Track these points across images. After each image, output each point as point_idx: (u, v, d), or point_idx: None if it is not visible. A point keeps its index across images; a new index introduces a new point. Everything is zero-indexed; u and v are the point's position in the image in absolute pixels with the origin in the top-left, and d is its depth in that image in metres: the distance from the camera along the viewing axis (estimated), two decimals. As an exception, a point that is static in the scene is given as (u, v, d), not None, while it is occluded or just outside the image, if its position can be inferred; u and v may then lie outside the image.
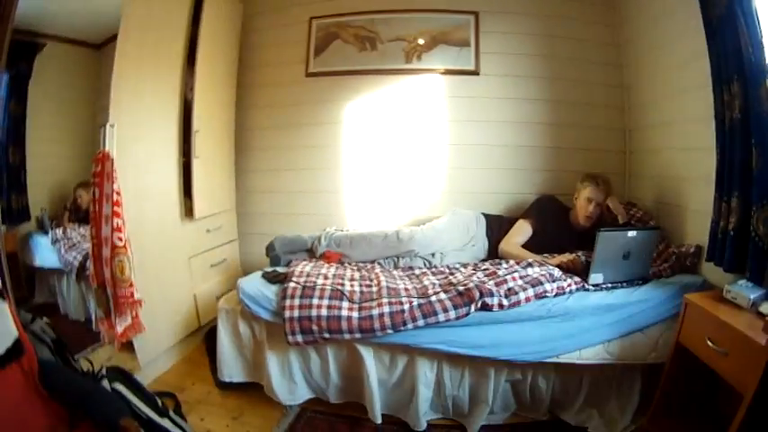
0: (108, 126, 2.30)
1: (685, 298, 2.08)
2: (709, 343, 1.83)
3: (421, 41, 3.59)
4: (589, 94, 3.68)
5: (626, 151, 3.69)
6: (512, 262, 2.67)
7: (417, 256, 2.92)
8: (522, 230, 3.02)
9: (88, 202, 2.35)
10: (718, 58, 2.42)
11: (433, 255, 2.96)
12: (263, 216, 3.75)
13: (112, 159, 2.27)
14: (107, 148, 2.28)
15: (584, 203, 2.97)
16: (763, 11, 2.22)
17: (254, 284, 2.37)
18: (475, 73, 3.57)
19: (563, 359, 2.22)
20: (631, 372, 2.32)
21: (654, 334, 2.29)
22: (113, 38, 2.42)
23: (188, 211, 3.00)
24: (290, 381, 2.30)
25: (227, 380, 2.42)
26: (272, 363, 2.28)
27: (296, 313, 2.13)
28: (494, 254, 3.05)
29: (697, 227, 2.69)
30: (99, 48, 2.64)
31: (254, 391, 2.40)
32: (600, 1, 3.76)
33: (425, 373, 2.21)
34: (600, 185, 2.96)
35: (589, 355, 2.23)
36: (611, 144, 3.70)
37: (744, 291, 2.01)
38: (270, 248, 2.87)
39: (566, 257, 2.64)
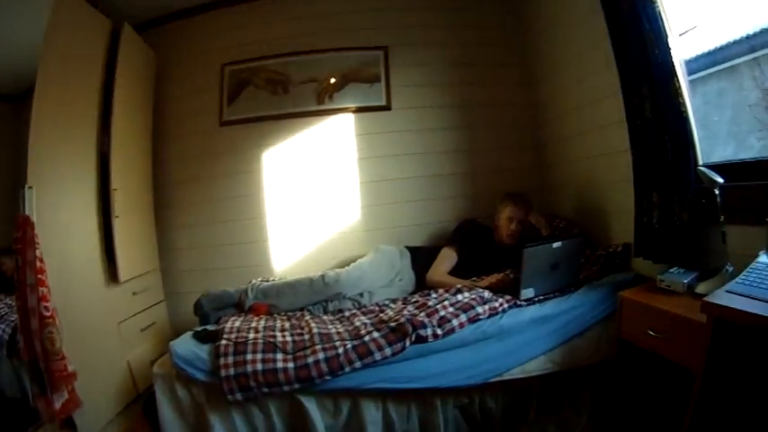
0: (26, 188, 2.28)
1: (619, 295, 2.23)
2: (651, 332, 1.98)
3: (332, 81, 3.71)
4: (501, 116, 3.91)
5: (542, 166, 3.92)
6: (441, 291, 2.75)
7: (346, 297, 2.96)
8: (447, 258, 3.13)
9: (12, 269, 2.32)
10: (624, 64, 2.63)
11: (361, 294, 3.00)
12: (188, 273, 3.73)
13: (33, 223, 2.25)
14: (27, 212, 2.26)
15: (505, 223, 3.11)
16: (668, 11, 2.46)
17: (186, 346, 2.35)
18: (387, 108, 3.73)
19: (507, 376, 2.31)
20: (578, 375, 2.45)
21: (594, 335, 2.44)
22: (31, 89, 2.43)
23: (112, 273, 2.96)
24: None
25: (173, 449, 2.40)
26: (216, 425, 2.24)
27: (231, 371, 2.12)
28: (422, 286, 3.13)
29: (621, 226, 2.89)
30: (17, 102, 2.68)
31: (205, 457, 2.39)
32: (507, 25, 4.01)
33: (371, 413, 2.24)
34: (519, 203, 3.11)
35: (533, 367, 2.34)
36: (527, 161, 3.93)
37: (677, 277, 2.19)
38: (197, 307, 2.86)
39: (494, 278, 2.76)
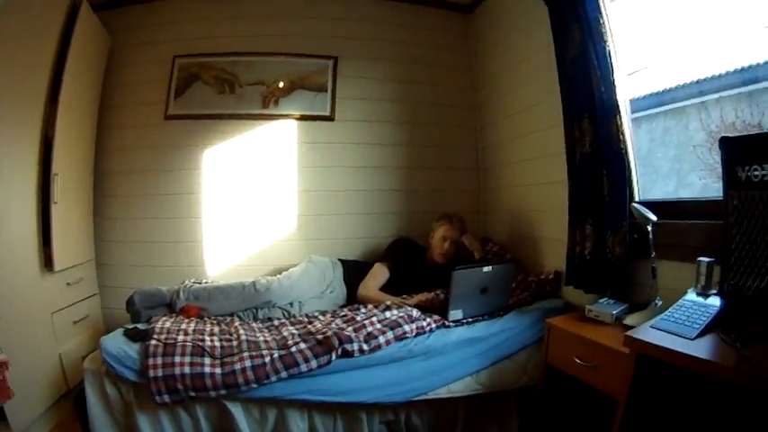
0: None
1: (547, 322, 2.53)
2: (578, 360, 2.26)
3: (280, 85, 3.97)
4: (444, 136, 4.28)
5: (480, 189, 4.30)
6: (370, 306, 3.03)
7: (275, 306, 3.22)
8: (379, 274, 3.43)
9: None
10: (569, 98, 2.91)
11: (291, 304, 3.26)
12: (122, 268, 3.86)
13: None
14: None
15: (439, 242, 3.43)
16: (621, 51, 2.74)
17: (117, 343, 2.47)
18: (330, 119, 4.02)
19: (432, 395, 2.59)
20: (506, 397, 2.74)
21: (522, 359, 2.74)
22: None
23: (47, 261, 3.07)
24: None
25: (102, 446, 2.43)
26: (144, 425, 2.37)
27: (160, 372, 2.27)
28: (353, 298, 3.41)
29: (554, 254, 3.19)
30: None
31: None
32: (458, 47, 4.41)
33: (297, 423, 2.46)
34: (454, 224, 3.43)
35: (459, 388, 2.63)
36: (466, 183, 4.32)
37: (605, 308, 2.46)
38: (129, 303, 3.03)
39: (423, 296, 3.05)
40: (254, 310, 3.16)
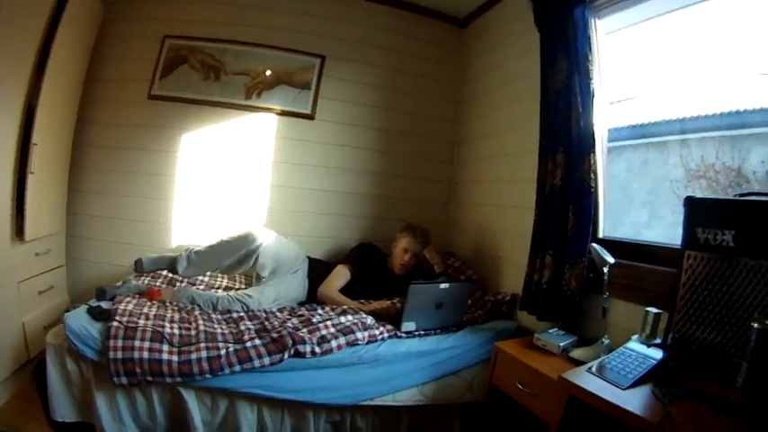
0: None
1: (495, 346, 2.73)
2: (520, 385, 2.46)
3: (267, 74, 4.15)
4: (421, 147, 4.52)
5: (450, 203, 4.55)
6: (327, 309, 3.24)
7: (255, 262, 3.44)
8: (341, 275, 3.63)
9: None
10: (547, 129, 3.11)
11: (260, 278, 3.47)
12: (92, 242, 3.97)
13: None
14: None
15: (400, 252, 3.66)
16: (599, 85, 2.91)
17: (80, 321, 2.55)
18: (310, 117, 4.22)
19: (378, 402, 2.81)
20: (450, 411, 2.97)
21: (468, 376, 2.97)
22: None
23: (18, 231, 3.12)
24: (119, 422, 2.52)
25: (59, 419, 2.56)
26: (101, 403, 2.48)
27: (119, 354, 2.37)
28: (313, 296, 3.61)
29: (513, 277, 3.42)
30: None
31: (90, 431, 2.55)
32: (446, 60, 4.62)
33: (246, 415, 2.62)
34: (417, 237, 3.64)
35: (404, 397, 2.85)
36: (437, 195, 4.57)
37: (554, 339, 2.65)
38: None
39: (380, 305, 3.26)
40: (214, 301, 3.28)
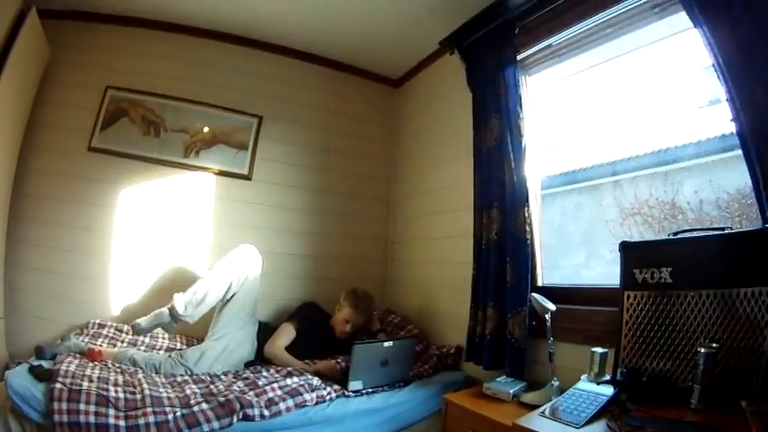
0: None
1: (445, 398, 2.87)
2: None
3: (204, 131, 4.29)
4: (358, 206, 4.74)
5: (388, 260, 4.76)
6: (272, 371, 3.32)
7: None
8: (285, 333, 3.76)
9: None
10: (482, 185, 3.34)
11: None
12: (31, 295, 3.85)
13: None
14: None
15: (341, 321, 3.81)
16: (532, 140, 3.11)
17: (22, 381, 2.53)
18: (247, 178, 4.39)
19: None
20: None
21: (421, 429, 3.10)
22: None
23: None
24: None
25: (6, 483, 2.44)
26: None
27: (65, 418, 2.34)
28: (259, 356, 3.73)
29: (456, 328, 3.61)
30: None
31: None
32: (381, 120, 4.95)
33: None
34: (359, 311, 3.80)
35: None
36: (375, 254, 4.79)
37: (503, 387, 2.80)
38: (38, 351, 3.20)
39: (323, 365, 3.37)
40: (157, 364, 3.36)
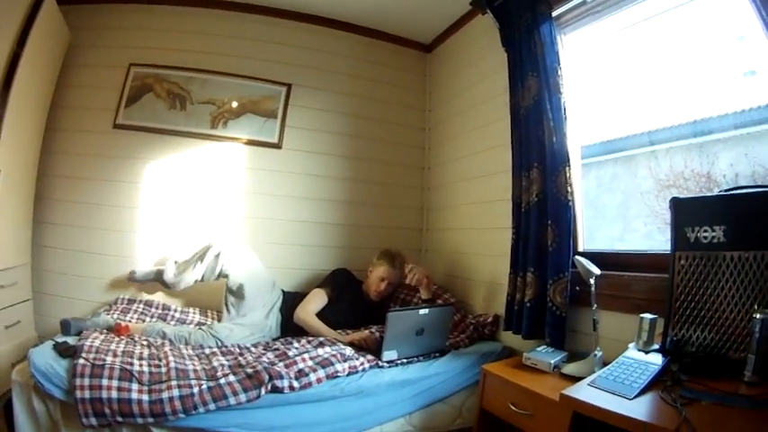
0: None
1: (483, 368, 2.76)
2: (513, 407, 2.47)
3: (233, 106, 4.23)
4: (391, 174, 4.65)
5: (423, 229, 4.69)
6: (303, 341, 3.25)
7: (224, 276, 3.59)
8: (317, 298, 3.69)
9: None
10: (520, 146, 3.21)
11: (231, 299, 3.61)
12: (58, 275, 3.92)
13: None
14: None
15: (376, 280, 3.72)
16: (570, 101, 2.98)
17: (45, 358, 2.54)
18: (277, 146, 4.31)
19: None
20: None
21: (457, 402, 3.00)
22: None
23: None
24: None
25: (28, 460, 2.47)
26: None
27: (87, 394, 2.34)
28: (287, 329, 3.66)
29: (492, 298, 3.55)
30: None
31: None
32: (413, 86, 4.83)
33: None
34: (395, 266, 3.72)
35: (392, 428, 2.86)
36: (410, 222, 4.70)
37: (544, 357, 2.69)
38: (64, 326, 3.22)
39: (358, 335, 3.27)
40: (187, 335, 3.35)
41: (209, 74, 4.28)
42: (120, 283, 3.90)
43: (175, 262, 3.70)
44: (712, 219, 1.99)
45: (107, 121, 4.07)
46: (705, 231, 2.00)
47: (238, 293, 3.63)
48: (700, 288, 2.01)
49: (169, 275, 3.64)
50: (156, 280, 3.70)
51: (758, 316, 1.74)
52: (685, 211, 2.11)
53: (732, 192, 2.11)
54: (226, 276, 3.61)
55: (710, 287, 1.97)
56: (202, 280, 3.69)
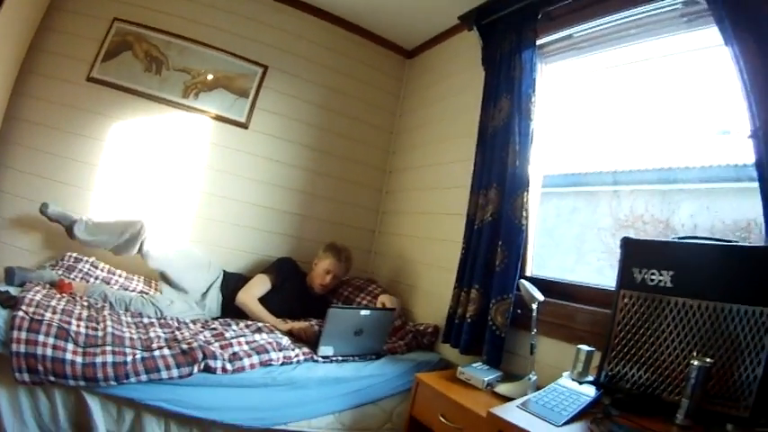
0: None
1: (416, 377, 2.81)
2: (442, 419, 2.51)
3: (207, 78, 4.23)
4: (352, 171, 4.72)
5: (376, 231, 4.77)
6: (242, 324, 3.29)
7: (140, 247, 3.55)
8: (260, 283, 3.73)
9: None
10: (482, 164, 3.29)
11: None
12: (9, 222, 3.82)
13: None
14: None
15: (321, 272, 3.79)
16: (539, 129, 3.07)
17: None
18: (244, 126, 4.33)
19: (292, 426, 2.82)
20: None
21: (388, 406, 3.03)
22: None
23: None
24: (21, 422, 2.40)
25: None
26: (2, 399, 2.36)
27: (22, 348, 2.29)
28: (226, 311, 3.69)
29: (434, 308, 3.62)
30: None
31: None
32: (388, 88, 4.94)
33: (153, 429, 2.55)
34: (341, 260, 3.79)
35: (320, 424, 2.88)
36: (364, 222, 4.79)
37: (478, 373, 2.75)
38: (8, 274, 3.19)
39: (298, 325, 3.32)
40: (127, 301, 3.38)
41: (189, 42, 4.26)
42: (71, 242, 3.78)
43: (86, 222, 3.61)
44: (662, 263, 2.07)
45: (82, 73, 3.99)
46: (653, 274, 2.09)
47: (163, 277, 3.67)
48: (641, 327, 2.09)
49: (79, 231, 3.56)
50: (65, 226, 3.60)
51: (696, 363, 1.81)
52: (635, 252, 2.20)
53: (684, 240, 2.19)
54: (145, 258, 3.60)
55: (652, 328, 2.06)
56: (112, 251, 3.67)
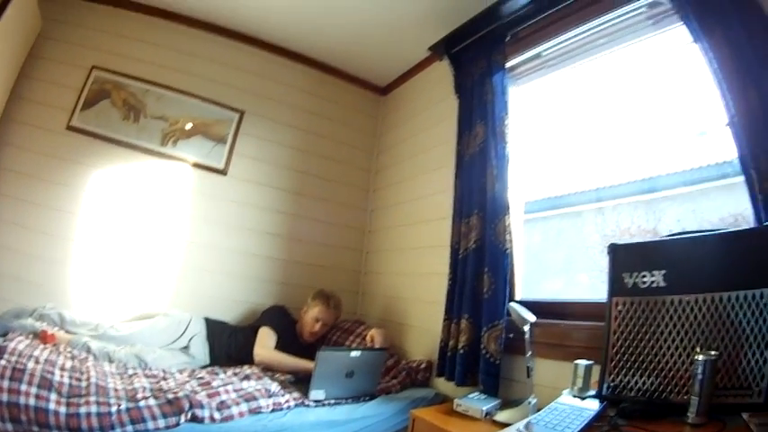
0: None
1: (411, 413, 2.81)
2: None
3: (186, 127, 4.31)
4: (333, 213, 4.79)
5: (361, 271, 4.81)
6: (229, 372, 3.29)
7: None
8: (269, 336, 3.73)
9: None
10: (462, 192, 3.36)
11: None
12: None
13: None
14: None
15: (310, 320, 3.82)
16: (515, 151, 3.14)
17: None
18: (223, 172, 4.39)
19: None
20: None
21: (386, 447, 2.93)
22: None
23: None
24: None
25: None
26: None
27: (4, 397, 2.28)
28: (216, 360, 3.71)
29: (426, 344, 3.64)
30: None
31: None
32: (363, 127, 5.09)
33: None
34: (330, 308, 3.83)
35: None
36: (349, 264, 4.82)
37: (475, 403, 2.75)
38: None
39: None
40: (111, 351, 3.38)
41: (166, 89, 4.33)
42: (52, 290, 3.83)
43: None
44: (651, 264, 2.07)
45: (62, 122, 4.04)
46: (644, 276, 2.09)
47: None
48: (638, 333, 2.08)
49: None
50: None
51: (701, 357, 1.79)
52: (624, 257, 2.20)
53: (672, 236, 2.20)
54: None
55: (650, 331, 2.05)
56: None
